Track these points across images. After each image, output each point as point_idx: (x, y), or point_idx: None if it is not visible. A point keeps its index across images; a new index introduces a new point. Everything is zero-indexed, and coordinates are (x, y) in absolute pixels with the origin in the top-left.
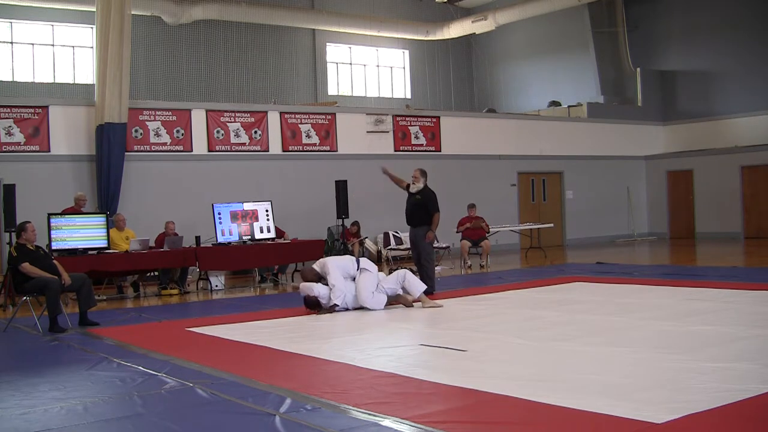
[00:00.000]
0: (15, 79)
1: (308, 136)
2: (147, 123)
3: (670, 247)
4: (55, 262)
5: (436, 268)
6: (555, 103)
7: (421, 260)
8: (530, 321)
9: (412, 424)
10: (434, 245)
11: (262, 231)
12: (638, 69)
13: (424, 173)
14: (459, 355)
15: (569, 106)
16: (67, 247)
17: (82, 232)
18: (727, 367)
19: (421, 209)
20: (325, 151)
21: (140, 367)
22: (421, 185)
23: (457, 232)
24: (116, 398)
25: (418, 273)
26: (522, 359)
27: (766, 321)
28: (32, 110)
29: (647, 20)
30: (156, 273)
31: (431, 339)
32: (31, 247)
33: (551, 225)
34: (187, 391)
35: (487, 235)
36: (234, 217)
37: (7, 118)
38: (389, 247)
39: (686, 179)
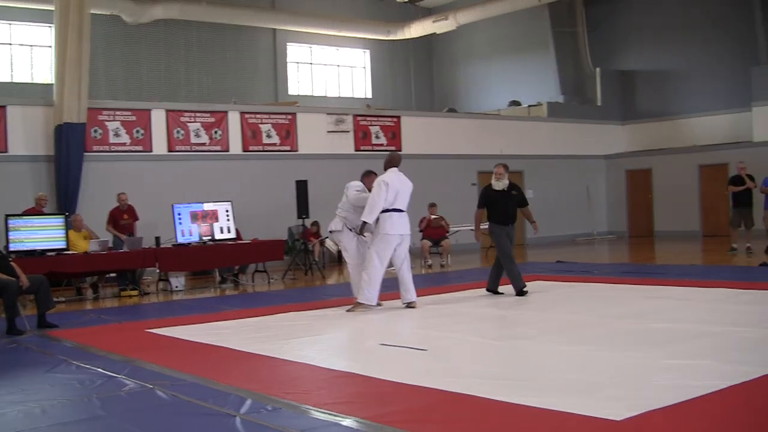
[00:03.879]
0: None
1: (269, 136)
2: (106, 123)
3: (630, 246)
4: (12, 263)
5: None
6: (515, 103)
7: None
8: (491, 320)
9: (373, 423)
10: None
11: (222, 231)
12: (598, 69)
13: (507, 167)
14: (420, 355)
15: (529, 106)
16: (25, 249)
17: (40, 233)
18: (686, 363)
19: (516, 205)
20: (286, 151)
21: (100, 369)
22: (507, 181)
23: (420, 231)
24: (75, 401)
25: (504, 270)
26: (483, 358)
27: (724, 318)
28: None
29: (607, 21)
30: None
31: (392, 338)
32: None
33: None
34: (146, 392)
35: (447, 234)
36: (194, 217)
37: None
38: None
39: (645, 178)
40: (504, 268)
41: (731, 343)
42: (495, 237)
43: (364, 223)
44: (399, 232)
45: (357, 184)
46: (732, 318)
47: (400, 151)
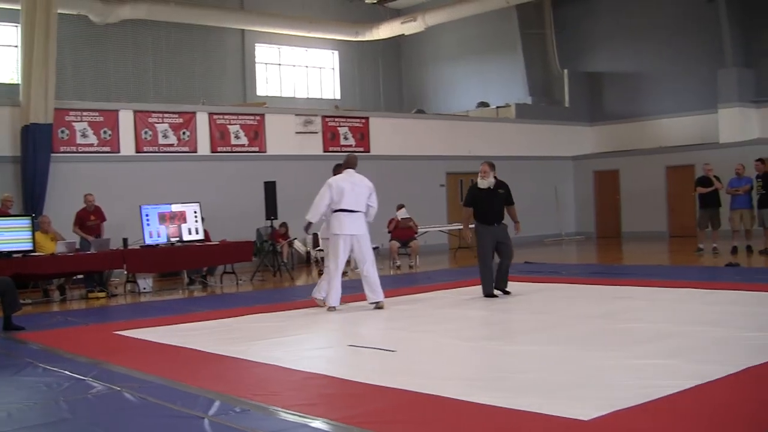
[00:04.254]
0: None
1: (237, 137)
2: (73, 124)
3: (598, 246)
4: None
5: None
6: (483, 104)
7: (509, 258)
8: (459, 321)
9: (342, 425)
10: None
11: (190, 233)
12: (566, 70)
13: (493, 166)
14: (388, 356)
15: (498, 107)
16: None
17: (6, 235)
18: (654, 363)
19: (503, 204)
20: (254, 152)
21: (66, 372)
22: (492, 179)
23: (388, 232)
24: (42, 404)
25: (501, 271)
26: (451, 359)
27: (691, 318)
28: None
29: (575, 22)
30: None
31: (360, 339)
32: None
33: None
34: (114, 395)
35: (416, 235)
36: (162, 218)
37: None
38: (318, 248)
39: (613, 179)
40: (485, 265)
41: (698, 342)
42: (477, 237)
43: (309, 223)
44: (347, 232)
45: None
46: (699, 318)
47: (368, 152)
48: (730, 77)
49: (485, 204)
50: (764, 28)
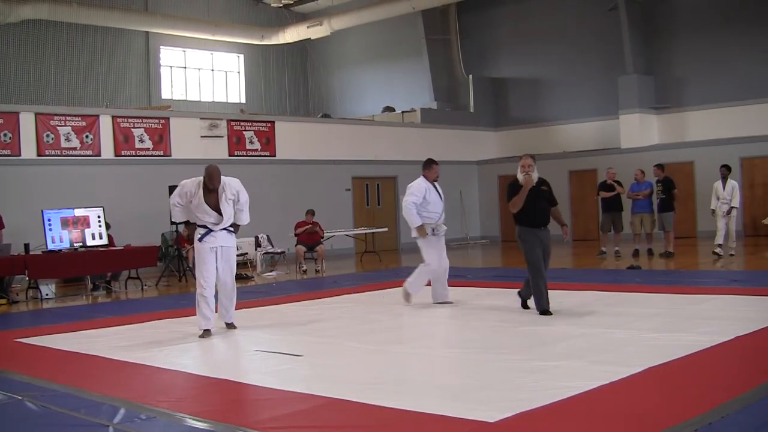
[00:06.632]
0: None
1: (141, 140)
2: None
3: (502, 250)
4: None
5: (271, 273)
6: (389, 109)
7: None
8: (366, 325)
9: (249, 430)
10: (269, 251)
11: (94, 237)
12: (470, 76)
13: (534, 158)
14: (295, 360)
15: (403, 112)
16: None
17: None
18: (558, 365)
19: (547, 203)
20: (159, 156)
21: None
22: (536, 174)
23: (295, 236)
24: None
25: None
26: (357, 363)
27: (591, 320)
28: None
29: (479, 29)
30: None
31: (266, 344)
32: None
33: (385, 229)
34: (15, 404)
35: (322, 239)
36: (65, 223)
37: None
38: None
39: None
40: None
41: (600, 344)
42: (523, 244)
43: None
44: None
45: (412, 191)
46: (600, 320)
47: (274, 156)
48: (631, 84)
49: (528, 203)
50: (664, 36)
